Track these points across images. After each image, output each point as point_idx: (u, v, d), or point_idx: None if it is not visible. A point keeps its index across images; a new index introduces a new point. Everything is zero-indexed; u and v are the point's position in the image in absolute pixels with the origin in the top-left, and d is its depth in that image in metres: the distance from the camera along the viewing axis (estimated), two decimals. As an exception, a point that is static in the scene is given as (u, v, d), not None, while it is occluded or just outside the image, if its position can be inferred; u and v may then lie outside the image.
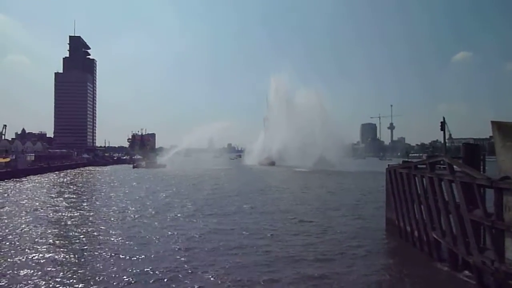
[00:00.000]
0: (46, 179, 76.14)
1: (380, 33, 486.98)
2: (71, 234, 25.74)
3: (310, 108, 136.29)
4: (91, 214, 34.10)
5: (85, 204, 41.01)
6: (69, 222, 29.99)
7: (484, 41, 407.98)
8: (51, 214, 34.01)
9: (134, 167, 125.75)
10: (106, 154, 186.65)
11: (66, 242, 23.40)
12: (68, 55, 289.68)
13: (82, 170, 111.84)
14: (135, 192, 52.43)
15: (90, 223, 29.73)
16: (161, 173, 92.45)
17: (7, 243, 22.91)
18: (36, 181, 70.76)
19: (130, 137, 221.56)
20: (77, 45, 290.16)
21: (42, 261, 19.31)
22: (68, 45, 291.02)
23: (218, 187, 59.65)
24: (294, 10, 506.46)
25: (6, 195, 48.26)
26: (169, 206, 39.03)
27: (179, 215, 33.33)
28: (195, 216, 32.97)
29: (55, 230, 26.96)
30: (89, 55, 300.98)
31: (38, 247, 22.04)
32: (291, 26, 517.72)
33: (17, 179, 72.50)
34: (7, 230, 26.56)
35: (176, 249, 21.90)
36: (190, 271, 17.84)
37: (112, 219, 31.60)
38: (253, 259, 20.04)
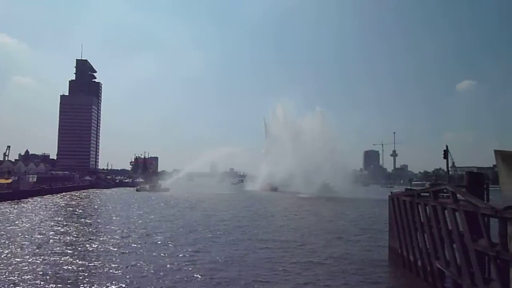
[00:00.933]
0: (47, 201, 75.80)
1: (387, 61, 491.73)
2: (64, 262, 25.30)
3: (315, 133, 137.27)
4: (89, 239, 33.72)
5: (83, 228, 40.64)
6: (64, 248, 29.55)
7: (489, 70, 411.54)
8: (48, 237, 33.42)
9: (137, 190, 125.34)
10: (109, 177, 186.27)
11: (58, 270, 22.84)
12: (74, 78, 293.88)
13: (84, 193, 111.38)
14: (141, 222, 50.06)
15: (85, 249, 29.40)
16: (165, 197, 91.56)
17: None
18: (37, 203, 70.47)
19: (133, 160, 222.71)
20: (84, 69, 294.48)
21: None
22: (74, 68, 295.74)
23: (223, 213, 59.03)
24: (304, 36, 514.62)
25: (5, 216, 47.99)
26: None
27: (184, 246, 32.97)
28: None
29: (49, 257, 26.43)
30: (95, 78, 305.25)
31: (28, 272, 21.72)
32: (301, 52, 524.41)
33: (18, 201, 72.28)
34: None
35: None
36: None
37: (111, 246, 31.22)
38: None
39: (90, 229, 38.90)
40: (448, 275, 18.45)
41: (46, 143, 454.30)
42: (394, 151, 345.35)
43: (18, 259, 24.29)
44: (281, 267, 23.96)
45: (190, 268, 23.08)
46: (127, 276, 21.05)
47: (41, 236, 33.87)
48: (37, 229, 38.02)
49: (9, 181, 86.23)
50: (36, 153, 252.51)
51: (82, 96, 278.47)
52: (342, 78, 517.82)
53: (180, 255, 26.77)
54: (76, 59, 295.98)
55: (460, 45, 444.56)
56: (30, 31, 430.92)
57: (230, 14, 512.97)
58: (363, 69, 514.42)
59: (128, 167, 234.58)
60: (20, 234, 34.64)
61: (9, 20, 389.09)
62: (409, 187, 27.27)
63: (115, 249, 28.83)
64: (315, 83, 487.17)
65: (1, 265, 22.66)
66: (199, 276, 21.38)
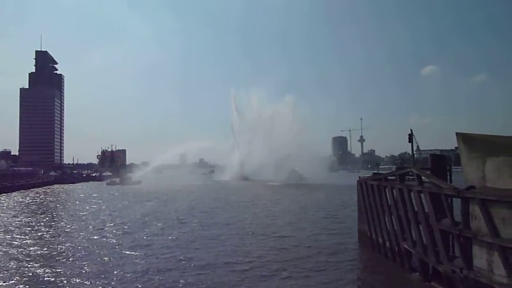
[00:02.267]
0: (9, 199, 72.93)
1: (358, 46, 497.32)
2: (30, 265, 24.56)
3: (285, 122, 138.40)
4: (52, 237, 32.81)
5: (46, 227, 39.46)
6: (31, 250, 28.67)
7: (453, 54, 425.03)
8: (13, 237, 32.30)
9: (108, 184, 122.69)
10: (75, 172, 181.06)
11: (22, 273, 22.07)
12: (34, 70, 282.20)
13: (49, 189, 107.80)
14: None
15: (52, 249, 28.58)
16: (139, 191, 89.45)
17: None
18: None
19: (100, 154, 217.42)
20: (44, 60, 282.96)
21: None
22: (34, 60, 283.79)
23: (198, 202, 58.53)
24: (270, 21, 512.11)
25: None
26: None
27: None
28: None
29: (12, 259, 25.58)
30: (57, 70, 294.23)
31: None
32: (268, 37, 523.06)
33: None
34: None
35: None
36: None
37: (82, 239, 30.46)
38: (226, 278, 19.74)
39: (59, 228, 37.72)
40: (415, 254, 19.11)
41: (7, 138, 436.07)
42: (361, 136, 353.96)
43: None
44: (252, 254, 24.12)
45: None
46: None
47: (3, 236, 32.62)
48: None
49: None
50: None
51: (43, 88, 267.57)
52: (313, 65, 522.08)
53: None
54: (36, 51, 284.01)
55: (428, 30, 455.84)
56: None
57: (190, 1, 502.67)
58: (334, 55, 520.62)
59: (95, 161, 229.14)
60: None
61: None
62: (376, 171, 27.86)
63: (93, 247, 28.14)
64: (284, 71, 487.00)
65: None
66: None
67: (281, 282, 18.77)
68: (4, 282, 18.84)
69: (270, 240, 29.02)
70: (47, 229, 35.60)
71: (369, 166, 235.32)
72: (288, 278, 19.25)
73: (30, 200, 70.19)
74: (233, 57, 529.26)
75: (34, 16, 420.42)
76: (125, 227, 36.06)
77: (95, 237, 31.01)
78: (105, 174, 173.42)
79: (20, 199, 71.92)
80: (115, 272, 20.40)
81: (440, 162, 20.31)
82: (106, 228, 35.59)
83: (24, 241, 29.46)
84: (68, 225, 38.47)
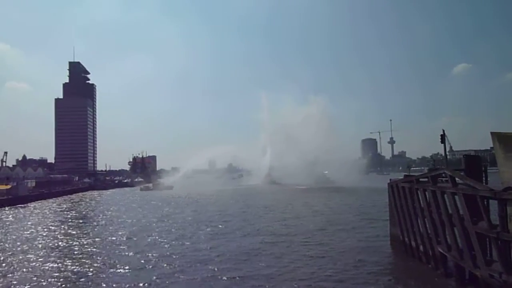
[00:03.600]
0: (47, 205, 75.66)
1: (381, 47, 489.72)
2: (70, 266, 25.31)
3: (312, 122, 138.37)
4: (92, 242, 33.80)
5: (88, 232, 40.69)
6: (68, 253, 29.62)
7: (483, 52, 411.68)
8: (50, 243, 33.23)
9: (141, 189, 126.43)
10: (107, 178, 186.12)
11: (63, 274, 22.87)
12: (68, 81, 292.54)
13: (84, 195, 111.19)
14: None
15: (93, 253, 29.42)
16: (172, 196, 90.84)
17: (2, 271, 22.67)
18: (37, 207, 70.33)
19: (131, 160, 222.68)
20: (77, 71, 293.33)
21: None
22: (68, 71, 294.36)
23: (228, 207, 59.01)
24: (294, 25, 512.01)
25: (6, 222, 47.90)
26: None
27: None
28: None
29: (55, 263, 26.46)
30: (89, 80, 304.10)
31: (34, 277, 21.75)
32: (292, 41, 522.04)
33: (18, 206, 72.09)
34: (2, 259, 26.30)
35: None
36: None
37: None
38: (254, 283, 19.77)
39: (97, 233, 38.89)
40: (450, 258, 18.55)
41: (44, 147, 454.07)
42: (391, 138, 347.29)
43: (21, 264, 24.27)
44: (286, 259, 24.04)
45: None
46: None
47: (43, 240, 33.80)
48: (39, 233, 37.93)
49: (8, 187, 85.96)
50: (34, 158, 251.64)
51: (77, 98, 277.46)
52: (336, 68, 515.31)
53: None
54: (69, 62, 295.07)
55: (454, 29, 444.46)
56: (21, 36, 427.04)
57: (218, 9, 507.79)
58: (357, 57, 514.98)
59: (127, 167, 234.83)
60: (21, 239, 34.50)
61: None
62: (407, 173, 27.26)
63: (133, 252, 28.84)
64: (309, 74, 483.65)
65: (4, 270, 22.67)
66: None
67: (313, 285, 18.60)
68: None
69: (298, 244, 28.82)
70: (83, 233, 36.76)
71: (400, 168, 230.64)
72: (320, 282, 19.06)
73: (64, 206, 72.49)
74: (260, 61, 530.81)
75: (67, 27, 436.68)
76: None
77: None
78: (136, 180, 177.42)
79: (57, 205, 74.49)
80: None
81: (475, 163, 19.67)
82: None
83: (60, 243, 30.56)
84: (123, 229, 39.51)
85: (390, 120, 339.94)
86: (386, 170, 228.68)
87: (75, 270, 22.60)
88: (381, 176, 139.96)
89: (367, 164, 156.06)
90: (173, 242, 31.03)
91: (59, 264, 24.12)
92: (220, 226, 39.18)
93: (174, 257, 25.47)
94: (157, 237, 33.51)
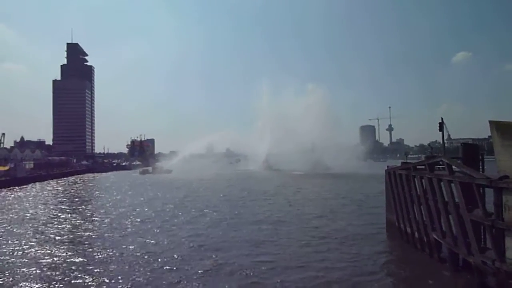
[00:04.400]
0: (46, 187, 75.87)
1: (379, 35, 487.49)
2: (67, 249, 25.53)
3: (310, 109, 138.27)
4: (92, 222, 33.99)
5: (89, 213, 40.88)
6: (68, 232, 29.82)
7: (483, 42, 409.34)
8: (48, 223, 33.52)
9: (140, 173, 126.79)
10: (106, 161, 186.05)
11: (63, 254, 23.16)
12: (66, 63, 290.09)
13: (82, 177, 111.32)
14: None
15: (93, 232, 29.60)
16: (174, 180, 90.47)
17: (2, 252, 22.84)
18: (36, 189, 70.48)
19: (129, 143, 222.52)
20: (75, 52, 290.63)
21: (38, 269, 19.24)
22: (65, 53, 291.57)
23: (229, 192, 59.32)
24: (291, 13, 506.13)
25: (4, 203, 48.07)
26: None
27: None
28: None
29: (55, 245, 26.70)
30: (87, 61, 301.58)
31: (33, 257, 21.92)
32: (288, 30, 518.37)
33: (16, 187, 72.23)
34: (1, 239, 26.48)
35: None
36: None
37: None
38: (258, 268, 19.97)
39: (100, 215, 39.11)
40: (444, 245, 18.75)
41: (41, 129, 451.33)
42: (390, 125, 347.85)
43: (20, 246, 24.45)
44: (281, 246, 24.22)
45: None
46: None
47: (42, 221, 34.04)
48: (38, 215, 38.16)
49: (6, 168, 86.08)
50: (32, 140, 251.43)
51: (75, 80, 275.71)
52: (333, 57, 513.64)
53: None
54: (67, 43, 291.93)
55: (453, 18, 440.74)
56: (17, 16, 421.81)
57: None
58: (355, 46, 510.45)
59: (125, 150, 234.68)
60: (21, 220, 34.69)
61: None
62: (404, 161, 27.31)
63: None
64: (305, 62, 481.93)
65: (2, 252, 22.85)
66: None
67: (310, 272, 18.80)
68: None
69: (294, 229, 29.06)
70: (82, 214, 36.97)
71: (398, 155, 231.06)
72: (317, 268, 19.28)
73: (64, 188, 72.69)
74: (254, 48, 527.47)
75: (64, 9, 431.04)
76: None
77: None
78: (134, 163, 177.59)
79: (56, 187, 74.69)
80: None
81: (472, 151, 19.72)
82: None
83: (59, 224, 30.77)
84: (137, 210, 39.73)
85: (389, 107, 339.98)
86: (384, 157, 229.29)
87: (68, 254, 22.69)
88: (378, 163, 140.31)
89: (365, 150, 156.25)
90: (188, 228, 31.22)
91: (54, 248, 24.19)
92: (223, 211, 39.42)
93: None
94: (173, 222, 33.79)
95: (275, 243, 24.69)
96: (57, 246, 24.20)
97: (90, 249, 23.43)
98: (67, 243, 25.15)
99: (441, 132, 26.92)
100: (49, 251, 22.89)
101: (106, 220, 34.19)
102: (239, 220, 33.30)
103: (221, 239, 26.02)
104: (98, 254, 22.22)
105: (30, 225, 32.04)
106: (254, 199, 48.50)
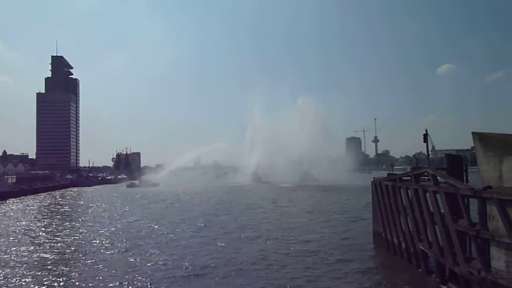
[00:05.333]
0: (28, 202, 74.28)
1: (369, 46, 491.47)
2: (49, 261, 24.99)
3: (298, 122, 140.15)
4: (73, 239, 33.33)
5: (66, 229, 40.09)
6: (49, 247, 29.18)
7: (469, 52, 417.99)
8: (30, 239, 32.85)
9: (128, 186, 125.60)
10: (90, 175, 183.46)
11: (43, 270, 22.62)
12: (50, 75, 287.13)
13: (66, 192, 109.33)
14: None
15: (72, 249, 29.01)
16: (160, 192, 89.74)
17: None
18: (17, 204, 68.98)
19: (115, 157, 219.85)
20: (60, 65, 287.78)
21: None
22: (50, 65, 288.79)
23: (222, 206, 58.82)
24: (282, 22, 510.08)
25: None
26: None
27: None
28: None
29: (34, 258, 26.09)
30: (72, 74, 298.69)
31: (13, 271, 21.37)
32: (280, 38, 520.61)
33: (-2, 202, 70.64)
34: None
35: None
36: None
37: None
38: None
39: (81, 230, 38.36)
40: (431, 255, 18.89)
41: (25, 142, 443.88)
42: (375, 137, 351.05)
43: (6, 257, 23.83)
44: (271, 257, 24.13)
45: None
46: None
47: (21, 237, 33.28)
48: (17, 230, 37.30)
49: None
50: (14, 153, 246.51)
51: (59, 93, 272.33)
52: (324, 66, 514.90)
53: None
54: (52, 56, 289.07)
55: (441, 28, 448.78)
56: (3, 28, 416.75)
57: (202, 3, 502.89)
58: (346, 56, 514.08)
59: (110, 164, 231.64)
60: (5, 235, 33.90)
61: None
62: (390, 172, 27.63)
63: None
64: (296, 72, 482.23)
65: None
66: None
67: (298, 282, 18.71)
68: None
69: (282, 241, 28.94)
70: (63, 230, 36.21)
71: (384, 166, 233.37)
72: (305, 280, 19.19)
73: (45, 203, 71.22)
74: (245, 58, 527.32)
75: (49, 21, 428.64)
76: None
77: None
78: (120, 177, 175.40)
79: (38, 201, 73.11)
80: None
81: (456, 162, 20.04)
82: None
83: (40, 240, 30.08)
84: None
85: (375, 119, 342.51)
86: (370, 169, 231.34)
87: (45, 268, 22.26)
88: (365, 174, 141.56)
89: (351, 162, 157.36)
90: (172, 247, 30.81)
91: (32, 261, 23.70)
92: (214, 227, 39.06)
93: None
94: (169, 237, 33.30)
95: (262, 255, 24.54)
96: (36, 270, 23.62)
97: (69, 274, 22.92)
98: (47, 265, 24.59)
99: (425, 144, 27.39)
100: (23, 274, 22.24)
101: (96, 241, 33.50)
102: (228, 241, 32.99)
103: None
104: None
105: (9, 240, 31.28)
106: (240, 215, 48.30)
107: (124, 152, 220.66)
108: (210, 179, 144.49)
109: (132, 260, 23.94)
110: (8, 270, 21.81)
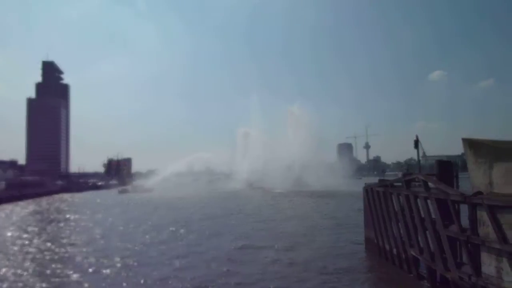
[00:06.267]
0: (17, 208, 73.34)
1: (363, 52, 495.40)
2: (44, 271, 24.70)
3: (290, 128, 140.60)
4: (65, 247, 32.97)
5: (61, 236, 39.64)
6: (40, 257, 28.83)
7: (460, 59, 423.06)
8: (20, 248, 32.49)
9: (120, 192, 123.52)
10: (81, 180, 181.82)
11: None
12: (41, 81, 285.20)
13: (55, 198, 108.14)
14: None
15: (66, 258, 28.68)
16: (158, 199, 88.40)
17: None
18: (6, 210, 68.03)
19: (106, 163, 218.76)
20: (50, 71, 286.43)
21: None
22: (41, 70, 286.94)
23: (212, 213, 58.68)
24: (277, 29, 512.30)
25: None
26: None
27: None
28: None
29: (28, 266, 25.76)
30: (63, 79, 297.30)
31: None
32: (274, 46, 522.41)
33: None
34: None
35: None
36: None
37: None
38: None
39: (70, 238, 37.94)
40: (422, 261, 18.94)
41: (14, 148, 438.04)
42: (367, 143, 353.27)
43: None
44: (261, 265, 23.99)
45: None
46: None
47: (12, 244, 32.83)
48: (8, 236, 36.80)
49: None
50: (3, 159, 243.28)
51: (50, 98, 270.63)
52: (318, 73, 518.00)
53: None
54: (42, 61, 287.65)
55: (434, 35, 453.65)
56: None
57: (196, 10, 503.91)
58: (338, 62, 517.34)
59: (101, 170, 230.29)
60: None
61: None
62: (381, 178, 27.75)
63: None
64: (289, 78, 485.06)
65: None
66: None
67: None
68: None
69: (274, 250, 28.83)
70: (54, 237, 35.78)
71: (375, 172, 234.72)
72: (296, 286, 19.12)
73: (35, 209, 70.38)
74: (239, 64, 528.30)
75: (40, 26, 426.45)
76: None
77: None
78: (111, 182, 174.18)
79: (27, 208, 72.19)
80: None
81: (447, 168, 20.17)
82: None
83: (31, 249, 29.67)
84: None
85: (366, 126, 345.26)
86: (361, 175, 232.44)
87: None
88: (356, 180, 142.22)
89: (343, 168, 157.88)
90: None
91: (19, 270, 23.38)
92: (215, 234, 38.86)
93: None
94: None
95: (253, 262, 24.45)
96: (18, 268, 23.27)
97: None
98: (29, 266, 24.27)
99: (416, 150, 27.55)
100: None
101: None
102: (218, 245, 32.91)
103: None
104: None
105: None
106: (236, 220, 48.15)
107: (115, 158, 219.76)
108: (204, 185, 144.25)
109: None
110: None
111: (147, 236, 35.22)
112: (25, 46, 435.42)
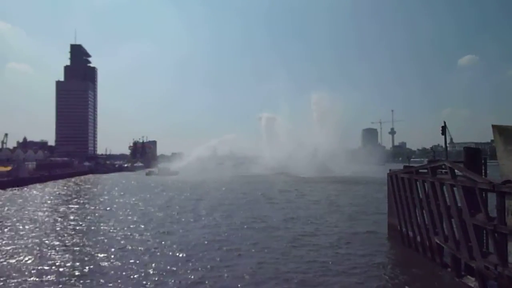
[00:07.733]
0: (48, 187, 76.07)
1: (383, 38, 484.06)
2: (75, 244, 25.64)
3: (313, 113, 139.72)
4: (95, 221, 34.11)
5: (86, 212, 40.99)
6: (73, 232, 29.92)
7: (487, 46, 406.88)
8: (53, 223, 33.87)
9: (147, 174, 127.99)
10: (108, 162, 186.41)
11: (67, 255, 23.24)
12: (69, 64, 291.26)
13: (85, 178, 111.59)
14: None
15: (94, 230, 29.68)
16: (182, 181, 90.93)
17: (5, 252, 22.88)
18: (38, 189, 70.66)
19: (132, 145, 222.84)
20: (78, 54, 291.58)
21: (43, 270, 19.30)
22: (69, 54, 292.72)
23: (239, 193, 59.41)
24: (295, 15, 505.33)
25: (8, 203, 48.20)
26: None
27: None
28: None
29: (58, 243, 26.78)
30: (90, 63, 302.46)
31: (39, 258, 21.97)
32: (293, 31, 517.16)
33: (18, 188, 72.47)
34: (6, 240, 26.58)
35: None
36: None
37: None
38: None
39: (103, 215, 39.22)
40: (446, 249, 18.69)
41: (44, 130, 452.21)
42: (392, 128, 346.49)
43: (23, 246, 24.51)
44: (287, 248, 24.23)
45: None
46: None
47: (45, 222, 34.20)
48: (40, 215, 38.27)
49: (9, 168, 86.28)
50: (34, 140, 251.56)
51: (78, 81, 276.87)
52: (338, 59, 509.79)
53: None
54: (71, 44, 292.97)
55: (458, 22, 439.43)
56: (23, 16, 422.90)
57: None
58: (359, 46, 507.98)
59: (127, 152, 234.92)
60: (23, 221, 34.79)
61: (1, 5, 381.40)
62: (406, 164, 27.30)
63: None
64: (310, 65, 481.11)
65: (5, 251, 22.89)
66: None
67: (310, 274, 18.78)
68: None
69: (299, 234, 29.01)
70: (84, 215, 37.07)
71: (400, 159, 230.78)
72: (319, 271, 19.24)
73: (63, 189, 72.77)
74: (260, 51, 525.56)
75: (68, 10, 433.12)
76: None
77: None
78: (136, 165, 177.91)
79: (56, 188, 74.77)
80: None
81: (475, 155, 19.64)
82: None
83: (63, 225, 30.85)
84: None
85: (392, 111, 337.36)
86: (386, 161, 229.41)
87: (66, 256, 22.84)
88: (380, 166, 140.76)
89: (367, 154, 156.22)
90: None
91: (55, 254, 24.31)
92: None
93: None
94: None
95: (279, 246, 24.71)
96: (60, 253, 24.13)
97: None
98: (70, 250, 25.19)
99: (443, 136, 26.93)
100: (51, 257, 22.75)
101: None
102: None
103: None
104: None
105: (31, 224, 32.17)
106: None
107: (141, 141, 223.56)
108: (229, 169, 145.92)
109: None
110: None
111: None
112: (54, 29, 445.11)
